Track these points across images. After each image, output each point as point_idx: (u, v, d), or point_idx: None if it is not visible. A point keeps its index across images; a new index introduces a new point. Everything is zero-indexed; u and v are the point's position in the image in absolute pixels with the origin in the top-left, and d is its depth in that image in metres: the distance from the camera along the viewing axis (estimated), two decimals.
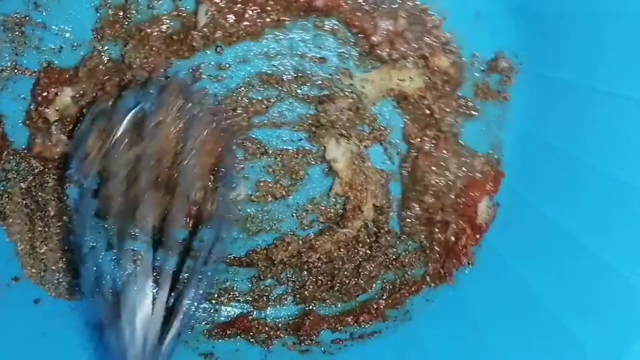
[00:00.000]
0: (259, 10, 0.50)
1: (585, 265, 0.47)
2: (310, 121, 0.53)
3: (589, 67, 0.47)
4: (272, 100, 0.53)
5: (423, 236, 0.57)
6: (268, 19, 0.50)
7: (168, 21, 0.50)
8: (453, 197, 0.54)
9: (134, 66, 0.49)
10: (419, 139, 0.54)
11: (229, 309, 0.58)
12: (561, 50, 0.49)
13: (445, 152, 0.54)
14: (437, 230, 0.56)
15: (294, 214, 0.56)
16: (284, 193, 0.55)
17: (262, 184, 0.54)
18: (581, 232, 0.48)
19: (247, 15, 0.50)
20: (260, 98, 0.52)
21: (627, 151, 0.45)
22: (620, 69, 0.45)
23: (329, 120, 0.52)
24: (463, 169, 0.54)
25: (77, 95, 0.50)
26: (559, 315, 0.48)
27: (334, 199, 0.55)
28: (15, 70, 0.49)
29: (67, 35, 0.49)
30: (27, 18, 0.48)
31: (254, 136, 0.53)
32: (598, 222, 0.47)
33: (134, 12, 0.49)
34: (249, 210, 0.55)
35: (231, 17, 0.49)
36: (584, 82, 0.47)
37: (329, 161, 0.54)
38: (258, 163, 0.54)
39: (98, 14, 0.49)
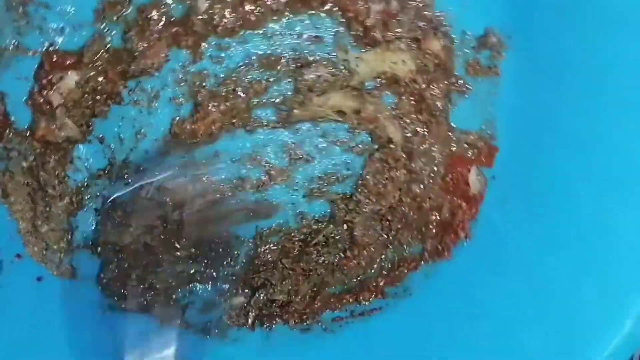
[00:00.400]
0: (258, 4, 0.51)
1: (582, 231, 0.48)
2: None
3: (579, 39, 0.49)
4: (272, 80, 0.54)
5: (418, 221, 0.58)
6: (267, 11, 0.52)
7: (170, 2, 0.51)
8: (440, 180, 0.56)
9: (136, 53, 0.50)
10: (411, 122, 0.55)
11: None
12: (549, 25, 0.51)
13: (436, 138, 0.56)
14: (430, 213, 0.58)
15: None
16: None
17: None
18: (576, 201, 0.50)
19: (246, 8, 0.51)
20: (259, 78, 0.54)
21: (616, 119, 0.47)
22: (608, 41, 0.47)
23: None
24: (452, 148, 0.56)
25: (82, 81, 0.51)
26: (557, 285, 0.49)
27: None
28: (18, 50, 0.50)
29: (69, 16, 0.50)
30: None
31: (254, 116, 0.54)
32: (592, 191, 0.48)
33: None
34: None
35: (229, 10, 0.51)
36: (574, 53, 0.49)
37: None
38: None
39: None
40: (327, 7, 0.53)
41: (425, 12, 0.53)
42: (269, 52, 0.53)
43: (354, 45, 0.54)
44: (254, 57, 0.53)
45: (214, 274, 0.53)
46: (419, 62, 0.53)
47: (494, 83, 0.55)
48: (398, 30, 0.53)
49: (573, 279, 0.49)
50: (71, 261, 0.52)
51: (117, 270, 0.51)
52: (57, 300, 0.50)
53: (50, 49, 0.50)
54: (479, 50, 0.55)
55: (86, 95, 0.51)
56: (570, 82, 0.51)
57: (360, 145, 0.56)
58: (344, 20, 0.53)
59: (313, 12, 0.52)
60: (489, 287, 0.54)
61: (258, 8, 0.52)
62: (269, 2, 0.52)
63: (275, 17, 0.52)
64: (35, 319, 0.49)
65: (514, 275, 0.52)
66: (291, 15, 0.52)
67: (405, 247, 0.58)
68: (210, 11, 0.51)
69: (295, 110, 0.53)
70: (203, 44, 0.52)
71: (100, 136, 0.53)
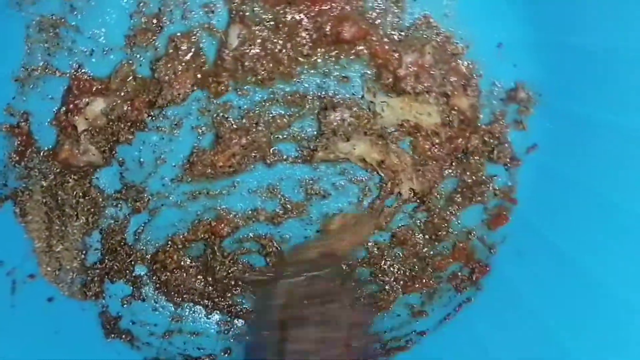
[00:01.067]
0: (290, 49, 0.51)
1: (593, 295, 0.48)
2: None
3: (608, 102, 0.48)
4: (295, 117, 0.54)
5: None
6: (298, 55, 0.52)
7: (200, 34, 0.51)
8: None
9: (164, 82, 0.50)
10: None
11: None
12: (580, 85, 0.50)
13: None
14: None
15: None
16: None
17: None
18: (592, 264, 0.49)
19: (279, 54, 0.51)
20: (282, 113, 0.53)
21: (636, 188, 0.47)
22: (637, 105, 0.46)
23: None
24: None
25: (108, 108, 0.51)
26: (567, 345, 0.49)
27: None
28: (47, 70, 0.50)
29: (100, 39, 0.50)
30: (62, 20, 0.49)
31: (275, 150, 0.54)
32: (611, 255, 0.48)
33: (167, 21, 0.50)
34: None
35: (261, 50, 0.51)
36: (602, 116, 0.49)
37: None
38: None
39: (131, 21, 0.50)
40: (358, 49, 0.52)
41: (457, 67, 0.53)
42: (294, 88, 0.53)
43: (382, 89, 0.53)
44: (279, 93, 0.53)
45: None
46: (444, 116, 0.53)
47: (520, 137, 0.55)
48: (428, 83, 0.52)
49: (583, 335, 0.48)
50: (83, 282, 0.53)
51: None
52: (67, 321, 0.51)
53: (79, 72, 0.50)
54: (507, 103, 0.54)
55: (111, 122, 0.52)
56: (593, 146, 0.50)
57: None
58: (373, 64, 0.52)
59: (343, 55, 0.52)
60: (500, 344, 0.54)
61: (290, 52, 0.51)
62: (300, 47, 0.51)
63: (304, 60, 0.52)
64: (45, 339, 0.49)
65: (526, 332, 0.52)
66: (321, 56, 0.52)
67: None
68: (242, 48, 0.50)
69: (319, 153, 0.53)
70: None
71: (121, 159, 0.53)
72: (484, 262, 0.57)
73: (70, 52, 0.50)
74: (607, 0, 0.45)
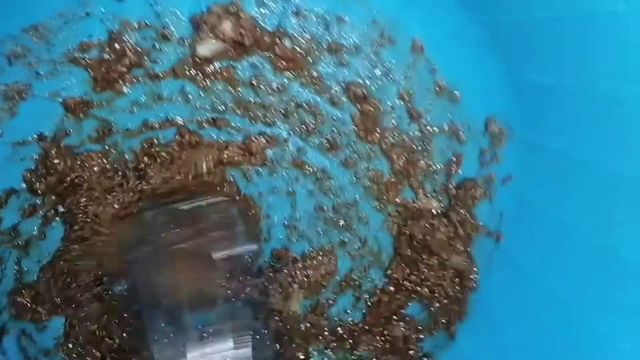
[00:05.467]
0: None
1: (575, 329, 0.48)
2: None
3: (578, 139, 0.48)
4: None
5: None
6: None
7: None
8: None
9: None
10: None
11: None
12: (550, 121, 0.50)
13: None
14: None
15: None
16: None
17: None
18: (568, 293, 0.50)
19: None
20: None
21: (615, 220, 0.47)
22: (605, 141, 0.46)
23: None
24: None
25: None
26: None
27: None
28: None
29: None
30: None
31: None
32: (591, 288, 0.48)
33: None
34: None
35: None
36: (573, 152, 0.49)
37: None
38: None
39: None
40: None
41: None
42: None
43: None
44: None
45: None
46: None
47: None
48: None
49: None
50: None
51: None
52: None
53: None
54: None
55: None
56: (566, 179, 0.50)
57: None
58: None
59: None
60: None
61: None
62: None
63: None
64: None
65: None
66: None
67: None
68: None
69: None
70: None
71: None
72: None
73: None
74: (577, 42, 0.45)
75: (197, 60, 0.50)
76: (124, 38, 0.49)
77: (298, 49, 0.51)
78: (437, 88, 0.53)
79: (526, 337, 0.52)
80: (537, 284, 0.52)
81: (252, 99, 0.52)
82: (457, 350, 0.57)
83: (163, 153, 0.52)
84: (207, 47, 0.48)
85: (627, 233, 0.46)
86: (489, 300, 0.56)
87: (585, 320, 0.47)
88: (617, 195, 0.46)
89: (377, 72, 0.52)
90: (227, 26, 0.48)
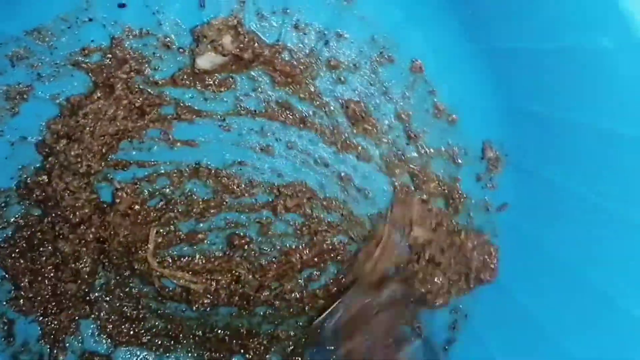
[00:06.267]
0: None
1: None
2: None
3: (572, 170, 0.48)
4: None
5: None
6: None
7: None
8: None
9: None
10: None
11: None
12: (546, 150, 0.50)
13: None
14: None
15: None
16: None
17: None
18: (560, 319, 0.49)
19: None
20: None
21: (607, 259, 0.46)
22: (599, 177, 0.46)
23: None
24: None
25: None
26: None
27: None
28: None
29: None
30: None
31: None
32: (582, 325, 0.48)
33: None
34: None
35: None
36: (567, 183, 0.48)
37: None
38: None
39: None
40: None
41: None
42: None
43: None
44: None
45: None
46: None
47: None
48: None
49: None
50: None
51: None
52: None
53: None
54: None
55: None
56: (560, 209, 0.49)
57: None
58: None
59: None
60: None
61: None
62: None
63: None
64: None
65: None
66: None
67: None
68: None
69: None
70: None
71: None
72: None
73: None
74: (573, 75, 0.44)
75: (197, 71, 0.50)
76: (126, 44, 0.49)
77: (296, 62, 0.51)
78: (435, 110, 0.52)
79: None
80: (527, 319, 0.52)
81: None
82: None
83: None
84: (206, 60, 0.49)
85: (618, 272, 0.46)
86: (477, 328, 0.56)
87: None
88: (610, 235, 0.45)
89: (374, 90, 0.52)
90: (226, 40, 0.48)
